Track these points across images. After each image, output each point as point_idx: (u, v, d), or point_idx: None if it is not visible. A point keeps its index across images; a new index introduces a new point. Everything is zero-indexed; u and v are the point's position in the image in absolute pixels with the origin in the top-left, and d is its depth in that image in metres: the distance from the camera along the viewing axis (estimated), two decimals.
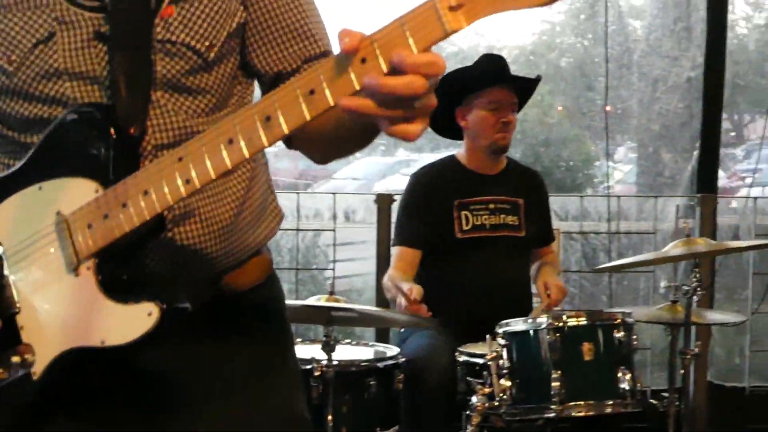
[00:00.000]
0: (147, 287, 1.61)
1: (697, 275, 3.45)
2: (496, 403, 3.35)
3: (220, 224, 1.77)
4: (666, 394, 3.69)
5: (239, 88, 1.83)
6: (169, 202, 1.50)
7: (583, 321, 3.35)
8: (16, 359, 1.65)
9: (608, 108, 5.22)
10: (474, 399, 3.39)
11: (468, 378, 3.59)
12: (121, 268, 1.61)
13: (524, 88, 4.17)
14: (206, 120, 1.74)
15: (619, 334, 3.33)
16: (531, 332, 3.37)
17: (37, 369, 1.64)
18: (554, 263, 4.34)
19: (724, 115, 5.44)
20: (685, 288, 3.44)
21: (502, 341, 3.41)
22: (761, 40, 6.14)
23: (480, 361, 3.52)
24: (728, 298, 5.42)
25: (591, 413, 3.27)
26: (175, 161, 1.48)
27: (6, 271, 1.67)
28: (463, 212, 4.11)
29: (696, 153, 5.16)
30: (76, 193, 1.60)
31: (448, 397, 3.71)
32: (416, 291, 3.78)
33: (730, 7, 5.06)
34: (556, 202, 5.21)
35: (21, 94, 1.70)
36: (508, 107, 4.05)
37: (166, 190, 1.49)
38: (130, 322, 1.56)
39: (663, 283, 3.76)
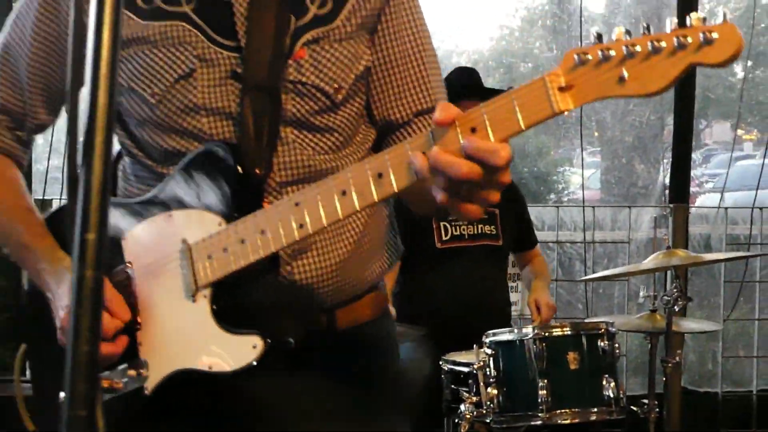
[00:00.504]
0: (257, 319, 1.69)
1: (678, 286, 3.53)
2: (484, 411, 3.42)
3: (336, 260, 1.83)
4: (645, 401, 3.78)
5: (364, 126, 1.89)
6: (282, 243, 1.58)
7: (567, 331, 3.43)
8: (132, 373, 1.73)
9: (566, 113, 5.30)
10: (462, 407, 3.46)
11: (453, 386, 3.66)
12: (234, 300, 1.69)
13: None
14: (331, 157, 1.81)
15: (602, 343, 3.41)
16: (517, 342, 3.43)
17: (149, 385, 1.73)
18: (544, 272, 4.42)
19: None
20: (666, 298, 3.53)
21: (488, 350, 3.47)
22: None
23: (465, 369, 3.58)
24: (699, 306, 5.53)
25: (577, 420, 3.35)
26: (292, 206, 1.56)
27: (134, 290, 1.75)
28: (442, 222, 4.19)
29: (668, 163, 5.26)
30: (201, 224, 1.69)
31: (432, 404, 3.78)
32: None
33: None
34: (532, 212, 5.28)
35: (161, 126, 1.78)
36: None
37: (281, 231, 1.57)
38: (237, 351, 1.66)
39: (642, 293, 3.84)
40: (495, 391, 3.42)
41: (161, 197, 1.76)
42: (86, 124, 0.84)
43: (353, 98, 1.82)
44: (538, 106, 1.30)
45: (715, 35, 1.20)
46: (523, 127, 1.32)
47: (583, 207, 5.17)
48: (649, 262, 3.66)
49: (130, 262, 1.77)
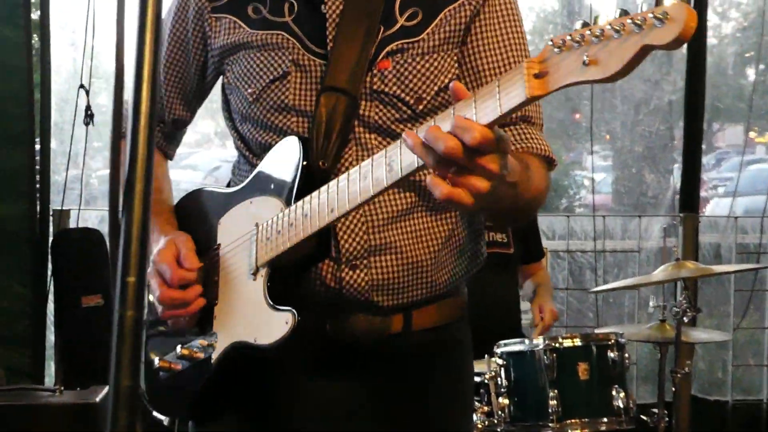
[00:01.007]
0: (316, 307, 1.84)
1: (688, 297, 3.58)
2: (495, 421, 3.48)
3: (416, 261, 1.90)
4: (655, 410, 3.82)
5: None
6: (317, 225, 1.69)
7: (578, 342, 3.48)
8: (203, 343, 1.88)
9: (577, 116, 5.37)
10: (474, 417, 3.52)
11: None
12: (290, 281, 1.83)
13: None
14: None
15: (612, 354, 3.46)
16: (528, 352, 3.49)
17: (215, 356, 1.86)
18: (547, 284, 4.48)
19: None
20: (675, 309, 3.57)
21: (500, 361, 3.53)
22: (738, 60, 6.30)
23: (477, 379, 3.64)
24: (709, 314, 5.57)
25: (586, 430, 3.40)
26: (327, 192, 1.70)
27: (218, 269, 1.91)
28: None
29: (677, 173, 5.31)
30: (269, 209, 1.83)
31: None
32: None
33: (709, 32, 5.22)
34: (543, 221, 5.34)
35: (257, 122, 1.95)
36: None
37: (318, 215, 1.70)
38: (274, 326, 1.76)
39: (652, 303, 3.88)
40: (506, 401, 3.49)
41: (249, 186, 1.94)
42: (127, 174, 0.90)
43: (437, 110, 1.87)
44: (514, 92, 1.36)
45: (666, 14, 1.20)
46: (501, 111, 1.38)
47: (594, 216, 5.22)
48: (659, 273, 3.71)
49: (218, 245, 1.94)
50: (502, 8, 1.93)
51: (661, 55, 5.39)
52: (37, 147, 4.75)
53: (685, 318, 3.56)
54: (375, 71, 1.86)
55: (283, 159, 1.85)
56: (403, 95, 1.87)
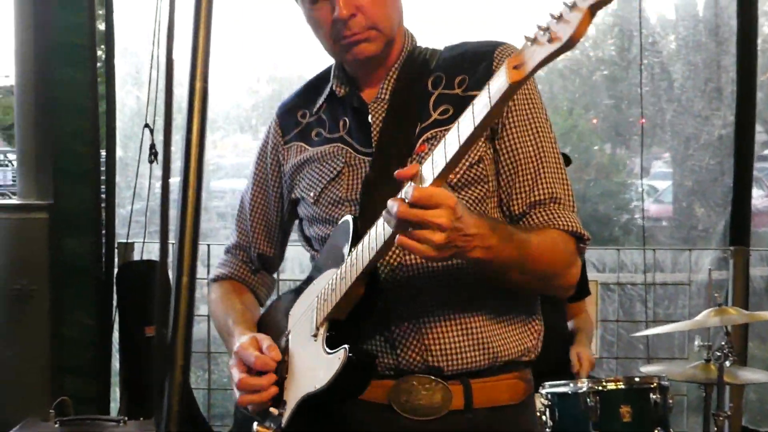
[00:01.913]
0: (380, 377, 2.01)
1: (730, 342, 3.65)
2: None
3: (469, 326, 2.07)
4: None
5: (491, 207, 2.11)
6: (361, 267, 1.88)
7: (621, 385, 3.58)
8: (274, 411, 2.04)
9: (643, 120, 5.43)
10: None
11: None
12: (346, 336, 1.98)
13: None
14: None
15: (654, 396, 3.56)
16: (572, 394, 3.60)
17: (284, 420, 2.04)
18: (587, 328, 4.55)
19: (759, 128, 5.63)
20: (717, 354, 3.65)
21: (545, 401, 3.64)
22: None
23: None
24: (759, 347, 5.59)
25: None
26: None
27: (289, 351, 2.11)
28: None
29: (728, 208, 5.36)
30: (327, 279, 2.03)
31: None
32: None
33: (759, 69, 5.26)
34: (593, 254, 5.43)
35: (319, 220, 2.20)
36: None
37: (360, 260, 1.90)
38: (330, 367, 1.92)
39: (697, 342, 3.95)
40: None
41: (311, 273, 2.19)
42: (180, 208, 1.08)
43: (470, 185, 2.07)
44: (499, 83, 1.58)
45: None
46: (491, 104, 1.60)
47: (644, 250, 5.28)
48: (701, 318, 3.78)
49: (289, 331, 2.14)
50: (527, 99, 2.13)
51: (711, 91, 5.45)
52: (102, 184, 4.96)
53: (727, 362, 3.63)
54: (414, 156, 2.06)
55: (339, 238, 2.06)
56: None
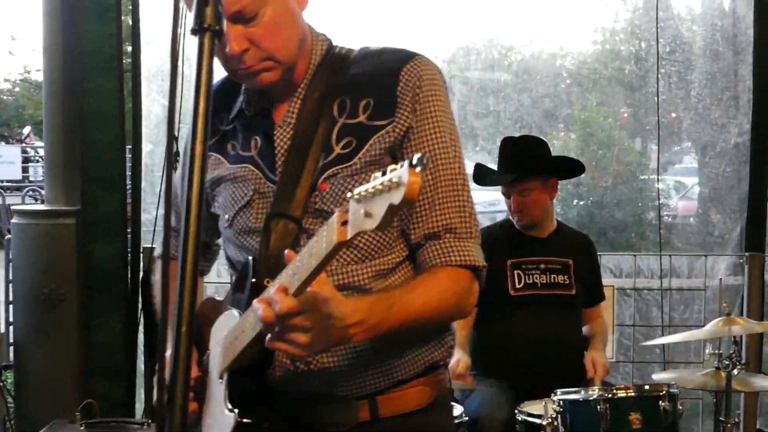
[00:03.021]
0: (269, 402, 2.06)
1: (737, 352, 3.72)
2: None
3: (368, 353, 2.12)
4: None
5: (395, 244, 2.17)
6: (251, 335, 1.92)
7: (631, 393, 3.67)
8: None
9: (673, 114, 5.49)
10: None
11: None
12: (245, 384, 2.05)
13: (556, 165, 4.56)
14: (351, 269, 2.12)
15: (664, 404, 3.64)
16: (583, 401, 3.68)
17: None
18: (602, 333, 4.64)
19: None
20: (726, 362, 3.72)
21: (557, 408, 3.73)
22: None
23: (538, 421, 3.84)
24: None
25: None
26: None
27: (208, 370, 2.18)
28: (516, 271, 4.46)
29: (744, 214, 5.42)
30: (232, 321, 2.07)
31: None
32: (462, 365, 4.17)
33: None
34: (611, 260, 5.52)
35: (233, 243, 2.27)
36: (515, 193, 4.43)
37: (252, 325, 1.92)
38: (224, 425, 2.01)
39: (708, 350, 4.02)
40: None
41: (226, 299, 2.22)
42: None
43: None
44: (327, 240, 1.65)
45: (400, 179, 1.45)
46: (317, 262, 1.68)
47: (660, 256, 5.35)
48: (709, 328, 3.85)
49: (209, 350, 2.19)
50: (427, 119, 2.13)
51: (728, 99, 5.51)
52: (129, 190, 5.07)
53: (735, 371, 3.70)
54: (317, 192, 2.11)
55: (242, 278, 2.13)
56: None
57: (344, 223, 1.60)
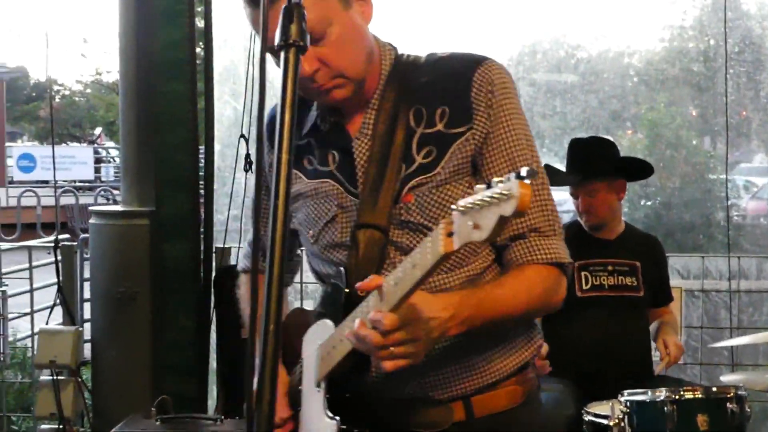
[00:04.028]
0: (367, 408, 2.13)
1: None
2: None
3: (465, 359, 2.19)
4: None
5: (481, 250, 2.22)
6: (348, 347, 2.00)
7: (698, 394, 3.66)
8: None
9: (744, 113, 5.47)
10: None
11: None
12: (343, 390, 2.12)
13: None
14: (441, 278, 2.17)
15: (731, 406, 3.63)
16: (650, 402, 3.69)
17: None
18: (673, 323, 4.65)
19: None
20: None
21: (624, 408, 3.74)
22: None
23: (604, 422, 3.86)
24: None
25: None
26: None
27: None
28: (583, 272, 4.48)
29: None
30: (327, 331, 2.14)
31: None
32: (543, 348, 4.17)
33: None
34: (678, 261, 5.51)
35: (319, 257, 2.32)
36: (582, 193, 4.44)
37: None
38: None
39: None
40: None
41: (318, 309, 2.27)
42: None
43: None
44: (434, 250, 1.71)
45: (509, 191, 1.52)
46: (423, 272, 1.74)
47: (729, 257, 5.33)
48: None
49: (302, 359, 2.25)
50: (504, 126, 2.18)
51: None
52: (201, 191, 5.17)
53: None
54: (401, 204, 2.16)
55: (335, 288, 2.19)
56: (425, 222, 2.15)
57: (449, 234, 1.66)
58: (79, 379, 4.94)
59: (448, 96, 2.18)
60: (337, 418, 2.06)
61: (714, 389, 3.74)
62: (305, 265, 2.57)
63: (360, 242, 2.16)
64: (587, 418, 3.98)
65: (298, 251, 2.59)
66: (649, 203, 6.01)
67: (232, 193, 5.21)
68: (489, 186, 1.57)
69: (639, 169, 4.69)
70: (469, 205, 1.59)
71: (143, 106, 5.03)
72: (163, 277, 4.97)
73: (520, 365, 2.28)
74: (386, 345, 1.85)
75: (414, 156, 2.17)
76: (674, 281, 5.29)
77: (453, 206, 1.64)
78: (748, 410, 3.71)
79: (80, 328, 5.10)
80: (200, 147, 5.11)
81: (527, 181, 1.50)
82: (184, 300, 5.02)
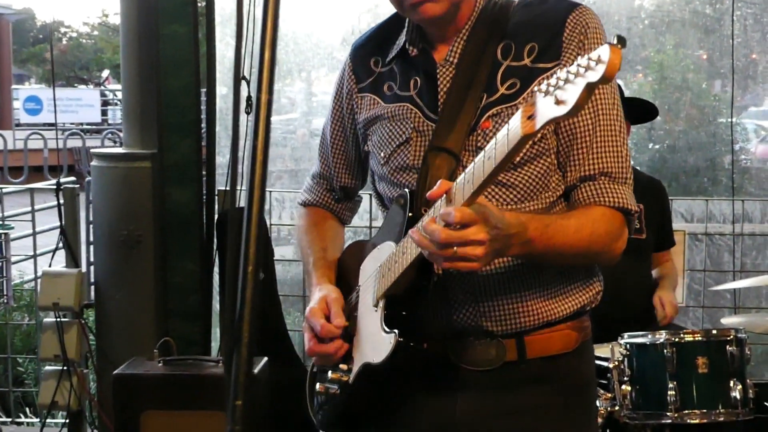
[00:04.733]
0: (423, 334, 2.12)
1: None
2: (617, 408, 3.72)
3: (523, 293, 2.18)
4: None
5: (554, 182, 2.20)
6: (413, 255, 2.00)
7: (698, 337, 3.68)
8: (343, 367, 2.23)
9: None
10: (597, 403, 3.76)
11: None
12: (402, 308, 2.12)
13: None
14: (512, 209, 2.15)
15: (731, 348, 3.64)
16: (650, 345, 3.70)
17: (351, 377, 2.21)
18: (672, 275, 4.63)
19: None
20: None
21: (624, 351, 3.75)
22: None
23: (605, 364, 3.87)
24: None
25: (704, 421, 3.60)
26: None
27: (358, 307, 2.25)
28: None
29: None
30: (388, 252, 2.15)
31: None
32: None
33: None
34: (682, 204, 5.49)
35: (388, 180, 2.31)
36: None
37: (409, 252, 2.02)
38: (383, 346, 2.08)
39: None
40: (628, 389, 3.71)
41: (379, 234, 2.29)
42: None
43: (533, 161, 2.15)
44: (513, 133, 1.69)
45: (599, 57, 1.50)
46: (506, 150, 1.72)
47: (733, 200, 5.31)
48: None
49: (359, 286, 2.27)
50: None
51: None
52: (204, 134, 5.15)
53: None
54: (479, 130, 2.14)
55: (398, 210, 2.18)
56: None
57: (530, 117, 1.64)
58: (83, 321, 4.96)
59: (539, 34, 2.18)
60: (395, 330, 2.05)
61: (714, 332, 3.75)
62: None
63: (431, 166, 2.16)
64: None
65: (359, 194, 2.62)
66: (657, 147, 5.98)
67: (233, 135, 5.17)
68: (575, 62, 1.56)
69: (644, 112, 4.64)
70: (553, 84, 1.58)
71: (145, 48, 5.00)
72: (167, 221, 4.98)
73: (577, 309, 2.25)
74: (451, 243, 1.82)
75: (498, 86, 2.16)
76: (678, 224, 5.28)
77: (535, 88, 1.62)
78: (748, 353, 3.72)
79: (83, 271, 5.12)
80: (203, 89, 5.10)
81: (619, 47, 1.49)
82: (188, 244, 5.03)
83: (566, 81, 1.55)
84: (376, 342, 2.10)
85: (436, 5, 2.15)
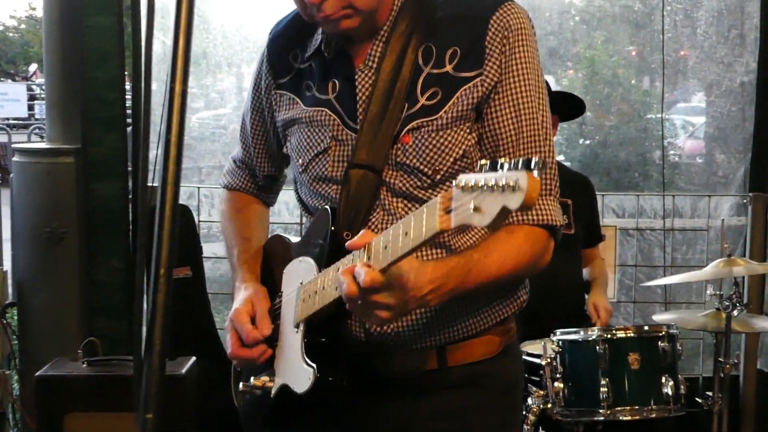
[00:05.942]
0: (344, 353, 2.06)
1: (738, 293, 3.72)
2: (550, 405, 3.70)
3: (442, 312, 2.10)
4: (710, 393, 3.98)
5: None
6: (332, 297, 1.92)
7: (630, 333, 3.68)
8: (265, 378, 2.17)
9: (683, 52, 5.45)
10: (530, 401, 3.74)
11: (526, 375, 3.93)
12: (321, 334, 2.06)
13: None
14: (437, 257, 2.08)
15: (663, 344, 3.65)
16: (583, 341, 3.69)
17: (273, 391, 2.15)
18: (602, 277, 4.64)
19: None
20: (726, 303, 3.72)
21: (556, 348, 3.74)
22: None
23: (537, 361, 3.85)
24: None
25: (636, 417, 3.60)
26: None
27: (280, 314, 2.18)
28: None
29: (749, 154, 5.36)
30: (309, 270, 2.08)
31: None
32: None
33: None
34: (613, 200, 5.49)
35: (307, 187, 2.24)
36: None
37: (332, 292, 1.92)
38: (303, 378, 2.02)
39: (709, 291, 4.02)
40: (561, 386, 3.70)
41: (301, 243, 2.23)
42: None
43: (453, 177, 2.01)
44: (429, 224, 1.60)
45: (515, 180, 1.40)
46: (415, 243, 1.64)
47: (663, 196, 5.33)
48: (709, 270, 3.84)
49: (282, 293, 2.20)
50: (519, 80, 2.07)
51: (734, 37, 5.43)
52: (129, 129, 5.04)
53: (735, 312, 3.70)
54: (399, 145, 2.07)
55: (320, 227, 2.11)
56: (421, 167, 2.07)
57: (447, 211, 1.56)
58: (5, 321, 4.81)
59: (461, 37, 2.08)
60: (314, 365, 2.00)
61: (645, 328, 3.76)
62: None
63: (352, 181, 2.09)
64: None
65: (285, 172, 2.54)
66: (588, 142, 5.98)
67: (160, 131, 5.04)
68: (494, 165, 1.45)
69: (572, 108, 4.61)
70: (472, 185, 1.48)
71: (68, 40, 4.88)
72: (91, 218, 4.87)
73: (501, 319, 2.22)
74: (357, 300, 1.79)
75: (418, 96, 2.08)
76: (609, 220, 5.29)
77: (454, 181, 1.52)
78: (680, 348, 3.72)
79: (5, 269, 4.97)
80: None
81: (536, 174, 1.39)
82: (112, 241, 4.93)
83: (484, 189, 1.45)
84: (296, 370, 2.05)
85: (349, 20, 2.07)
